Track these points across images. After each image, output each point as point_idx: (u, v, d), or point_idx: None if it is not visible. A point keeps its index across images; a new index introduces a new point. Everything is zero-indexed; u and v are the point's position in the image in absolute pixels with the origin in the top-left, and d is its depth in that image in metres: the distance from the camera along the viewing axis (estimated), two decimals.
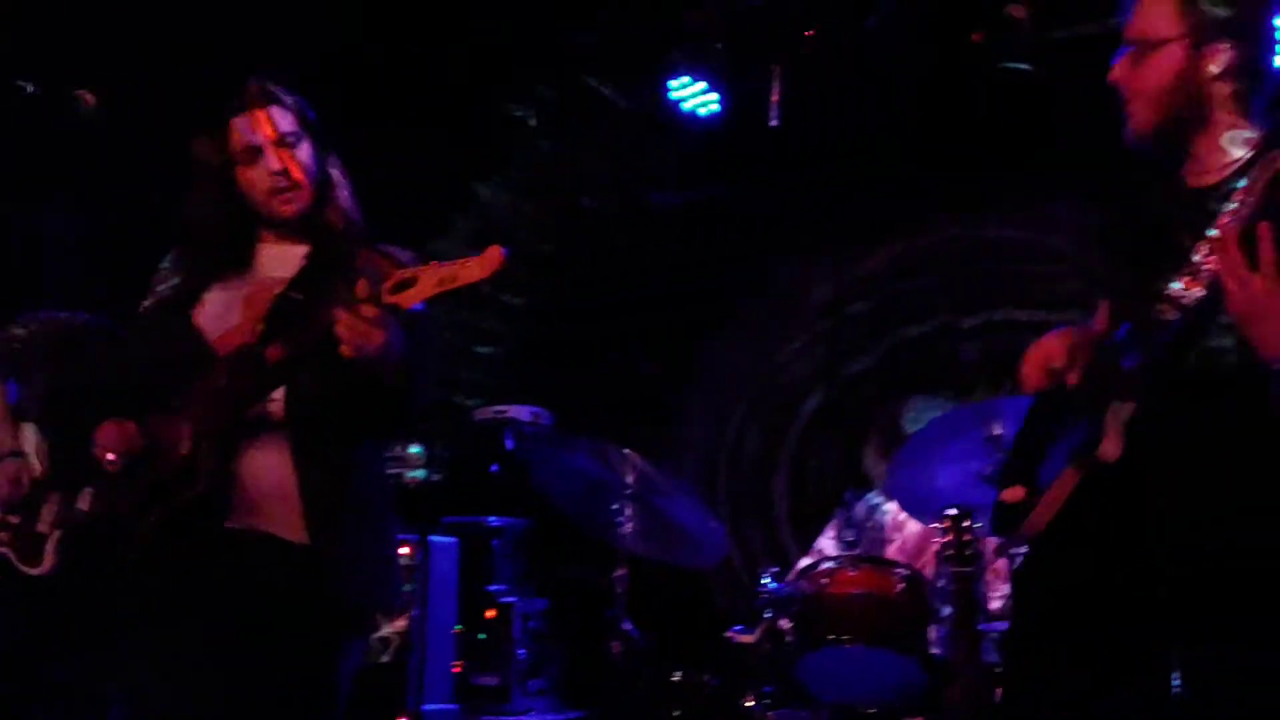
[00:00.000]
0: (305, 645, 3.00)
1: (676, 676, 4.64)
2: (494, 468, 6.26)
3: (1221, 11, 2.67)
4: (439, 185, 6.59)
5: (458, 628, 5.49)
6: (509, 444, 6.27)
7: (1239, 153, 2.69)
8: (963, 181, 6.22)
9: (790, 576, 4.87)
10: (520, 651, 5.64)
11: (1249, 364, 2.52)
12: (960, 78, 5.93)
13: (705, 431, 7.03)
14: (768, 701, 4.54)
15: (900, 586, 4.63)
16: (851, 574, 4.69)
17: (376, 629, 5.12)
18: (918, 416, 5.21)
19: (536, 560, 6.16)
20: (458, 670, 5.47)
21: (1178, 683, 2.67)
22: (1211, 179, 2.69)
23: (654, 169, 7.02)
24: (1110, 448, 2.69)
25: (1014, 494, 2.88)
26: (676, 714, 4.51)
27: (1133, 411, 2.67)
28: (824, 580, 4.70)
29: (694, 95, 6.54)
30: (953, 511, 4.31)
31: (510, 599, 5.75)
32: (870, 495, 5.33)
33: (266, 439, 3.02)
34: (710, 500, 5.18)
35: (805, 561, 5.24)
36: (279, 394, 3.03)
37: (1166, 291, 2.64)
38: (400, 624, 5.23)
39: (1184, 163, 2.80)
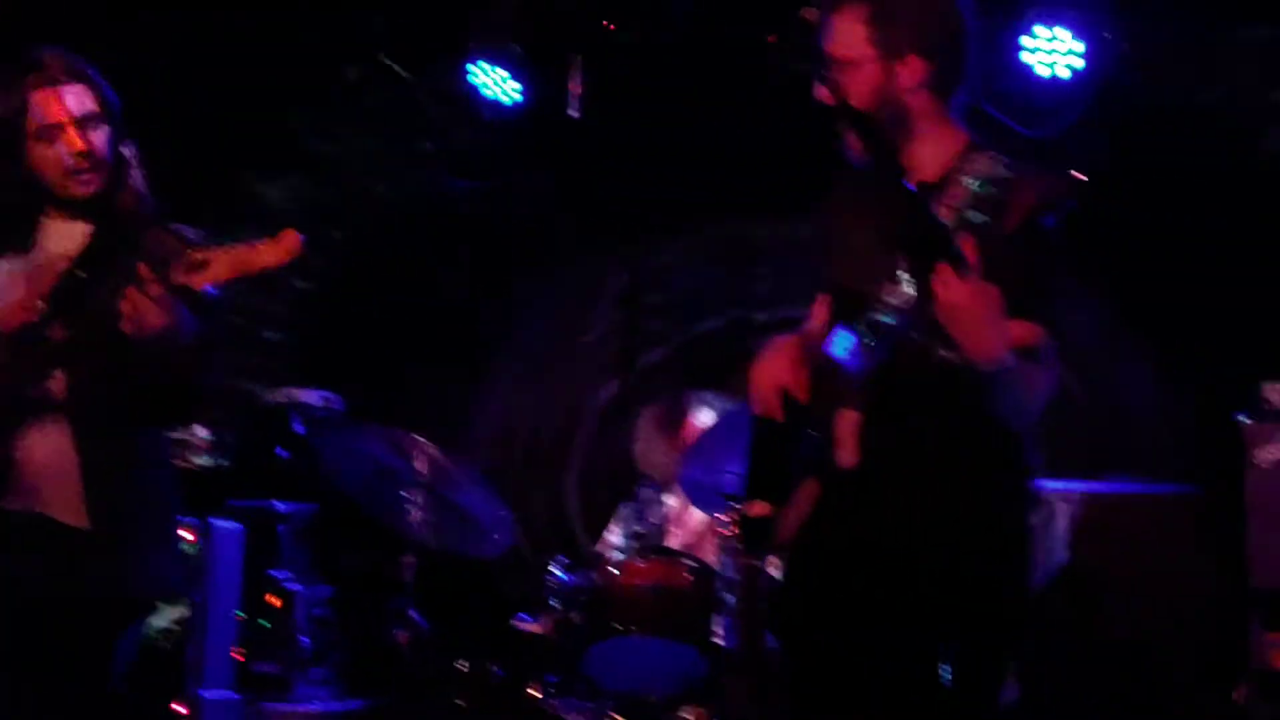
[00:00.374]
0: (82, 630, 2.95)
1: (462, 666, 4.63)
2: (281, 452, 6.16)
3: (908, 29, 2.80)
4: (232, 167, 6.46)
5: (239, 614, 5.39)
6: (298, 428, 6.18)
7: (944, 157, 2.80)
8: (759, 178, 6.31)
9: (579, 567, 4.90)
10: (303, 639, 5.56)
11: (968, 363, 2.62)
12: (756, 77, 6.02)
13: (499, 420, 7.01)
14: (552, 691, 4.56)
15: (688, 578, 4.69)
16: (640, 565, 4.75)
17: (156, 614, 5.00)
18: (701, 411, 5.26)
19: (323, 547, 6.08)
20: (239, 658, 5.37)
21: (948, 674, 2.78)
22: (921, 180, 2.78)
23: (454, 155, 6.96)
24: (845, 455, 2.78)
25: (759, 509, 2.92)
26: (460, 703, 4.49)
27: (860, 418, 2.76)
28: (612, 571, 4.74)
29: (495, 82, 6.51)
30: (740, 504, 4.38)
31: (295, 586, 5.66)
32: (653, 487, 5.37)
33: (47, 419, 2.96)
34: (503, 489, 5.16)
35: (595, 552, 5.28)
36: (61, 374, 2.96)
37: (883, 293, 2.72)
38: (181, 610, 5.12)
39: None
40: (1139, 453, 5.95)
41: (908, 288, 2.67)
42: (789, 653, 3.28)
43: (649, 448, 5.36)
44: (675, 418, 5.25)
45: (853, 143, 2.86)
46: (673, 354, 6.84)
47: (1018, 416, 2.75)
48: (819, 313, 3.02)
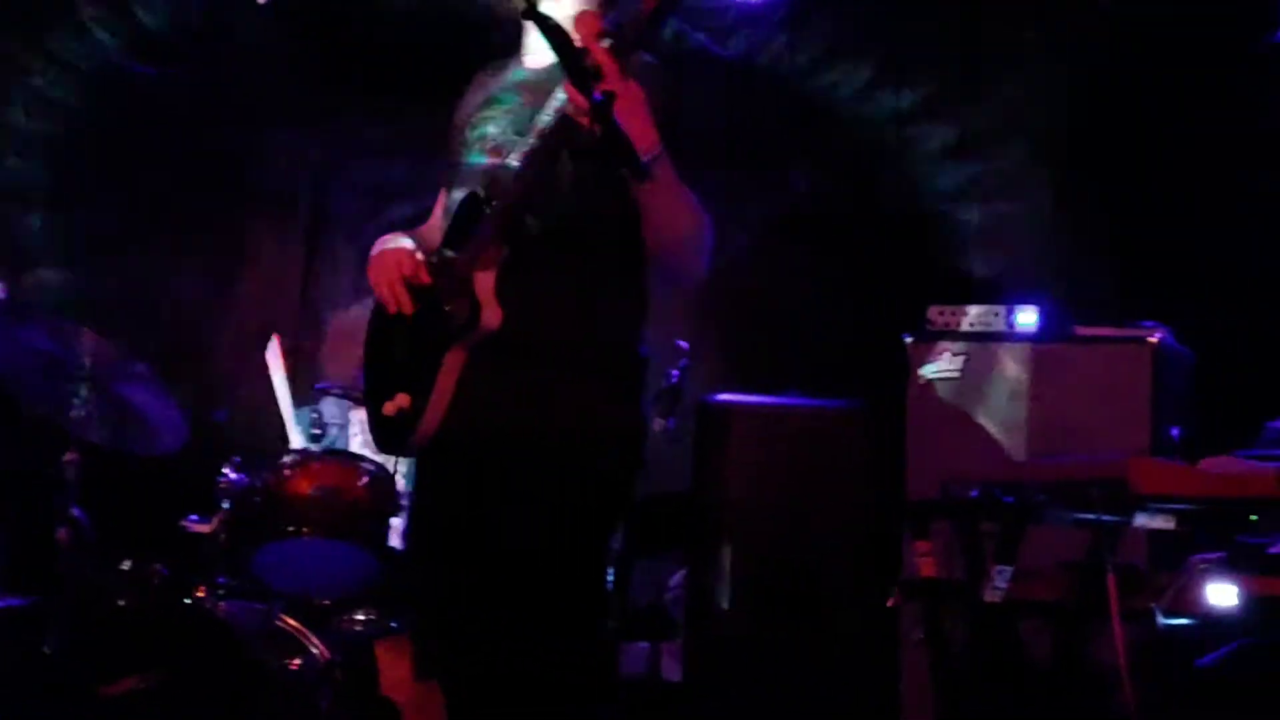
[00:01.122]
0: None
1: (125, 565, 4.51)
2: None
3: None
4: None
5: None
6: None
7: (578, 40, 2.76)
8: (450, 65, 6.23)
9: (254, 468, 4.82)
10: None
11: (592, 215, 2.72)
12: None
13: (182, 312, 6.78)
14: (221, 592, 4.49)
15: (364, 481, 4.68)
16: (315, 466, 4.72)
17: None
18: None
19: None
20: None
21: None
22: (548, 60, 2.79)
23: (135, 39, 6.67)
24: (490, 316, 2.76)
25: (397, 404, 2.89)
26: (122, 603, 4.38)
27: (496, 278, 2.76)
28: (286, 473, 4.69)
29: None
30: None
31: None
32: (338, 389, 5.31)
33: None
34: (194, 388, 5.00)
35: (270, 453, 5.19)
36: None
37: (505, 164, 2.79)
38: None
39: (525, 46, 3.00)
40: (813, 371, 6.15)
41: (524, 154, 2.73)
42: (412, 556, 3.23)
43: (335, 352, 5.30)
44: (360, 324, 5.19)
45: None
46: (361, 256, 6.71)
47: (683, 248, 2.78)
48: (437, 208, 3.05)
